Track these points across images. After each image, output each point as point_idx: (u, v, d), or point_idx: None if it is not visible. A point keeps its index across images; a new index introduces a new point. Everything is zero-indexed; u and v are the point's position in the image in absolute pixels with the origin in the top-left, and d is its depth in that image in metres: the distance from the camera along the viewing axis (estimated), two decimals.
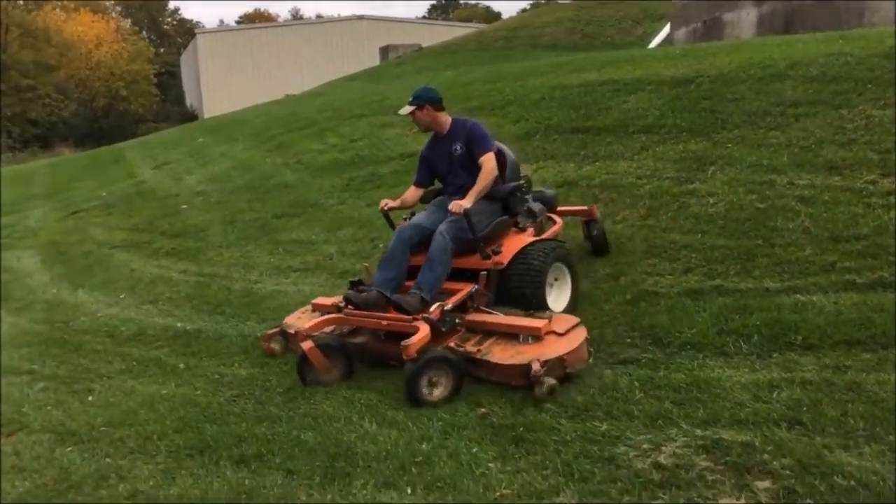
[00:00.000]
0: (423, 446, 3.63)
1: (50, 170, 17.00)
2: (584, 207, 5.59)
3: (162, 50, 59.98)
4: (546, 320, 4.19)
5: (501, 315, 4.39)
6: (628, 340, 4.35)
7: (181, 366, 5.03)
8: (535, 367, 3.89)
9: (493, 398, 4.05)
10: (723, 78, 7.60)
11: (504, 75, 12.05)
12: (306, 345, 4.32)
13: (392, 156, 9.42)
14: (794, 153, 5.89)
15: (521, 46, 25.32)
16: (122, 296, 6.83)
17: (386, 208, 5.03)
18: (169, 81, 52.48)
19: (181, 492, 3.48)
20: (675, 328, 4.30)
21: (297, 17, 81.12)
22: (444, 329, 4.32)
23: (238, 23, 73.72)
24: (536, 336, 4.13)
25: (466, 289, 4.52)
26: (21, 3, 36.67)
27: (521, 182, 5.00)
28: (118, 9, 57.04)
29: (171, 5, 78.11)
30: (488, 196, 4.78)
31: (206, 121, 22.27)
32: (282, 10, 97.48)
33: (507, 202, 4.90)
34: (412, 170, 8.78)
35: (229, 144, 14.04)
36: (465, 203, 4.54)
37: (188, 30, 72.90)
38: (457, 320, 4.39)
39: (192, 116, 46.21)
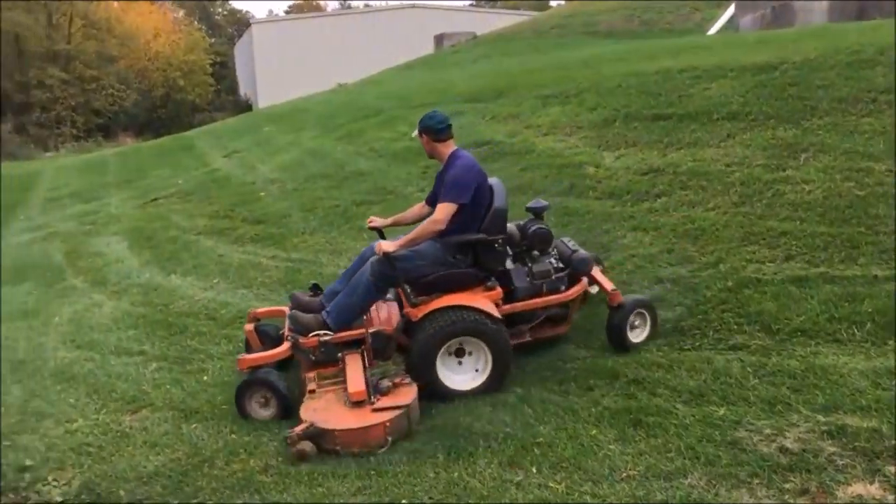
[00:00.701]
0: (542, 428, 3.72)
1: (120, 158, 17.43)
2: (609, 287, 4.69)
3: (213, 40, 60.78)
4: (376, 388, 3.99)
5: (357, 367, 4.15)
6: (735, 327, 4.38)
7: None
8: (295, 430, 3.75)
9: (603, 382, 4.12)
10: (809, 64, 7.51)
11: (571, 63, 12.04)
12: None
13: (466, 143, 9.46)
14: (890, 140, 5.82)
15: (576, 34, 25.13)
16: (215, 280, 7.03)
17: (370, 226, 5.08)
18: (220, 71, 53.25)
19: (311, 468, 3.63)
20: (783, 315, 4.31)
21: (345, 6, 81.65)
22: (312, 358, 4.27)
23: (287, 13, 74.45)
24: (354, 401, 3.92)
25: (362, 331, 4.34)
26: None
27: (491, 238, 4.48)
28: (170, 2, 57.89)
29: None
30: (456, 243, 4.46)
31: (265, 110, 22.59)
32: (331, 3, 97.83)
33: (476, 254, 4.52)
34: (488, 157, 8.95)
35: (295, 133, 14.26)
36: (388, 247, 4.37)
37: (238, 20, 73.94)
38: (338, 355, 4.26)
39: (246, 106, 46.87)
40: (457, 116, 10.76)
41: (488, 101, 10.90)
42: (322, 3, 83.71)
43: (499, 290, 4.49)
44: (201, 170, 13.35)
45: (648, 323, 4.57)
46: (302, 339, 4.30)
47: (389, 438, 3.77)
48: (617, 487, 3.15)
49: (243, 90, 50.56)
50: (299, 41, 44.38)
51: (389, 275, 4.38)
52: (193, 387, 4.72)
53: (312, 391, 4.10)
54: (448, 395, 4.23)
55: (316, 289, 4.94)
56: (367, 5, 67.93)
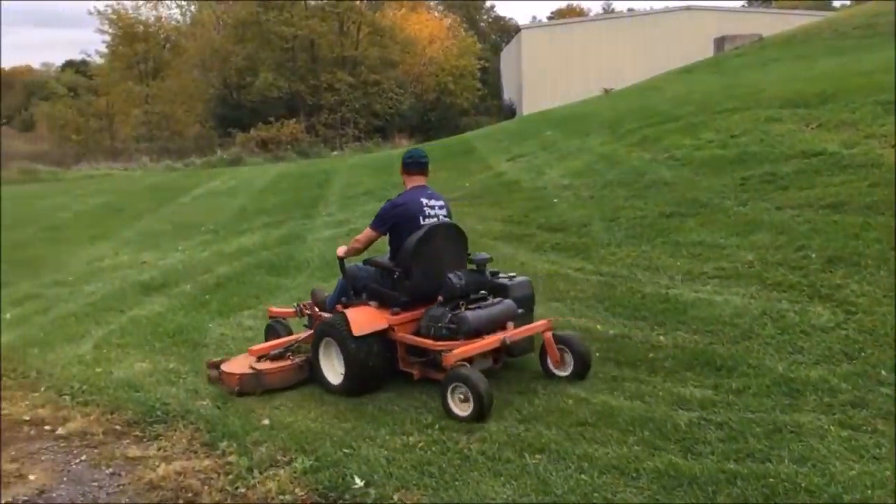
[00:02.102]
0: None
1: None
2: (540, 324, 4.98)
3: (479, 46, 62.41)
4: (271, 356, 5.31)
5: (286, 337, 5.68)
6: None
7: (620, 375, 4.71)
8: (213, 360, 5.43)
9: None
10: None
11: None
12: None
13: (790, 154, 8.50)
14: None
15: (885, 34, 22.43)
16: None
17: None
18: (482, 77, 54.45)
19: None
20: None
21: (608, 9, 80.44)
22: (305, 325, 5.79)
23: (549, 19, 74.80)
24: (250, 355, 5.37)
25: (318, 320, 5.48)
26: (364, 2, 39.80)
27: (393, 268, 5.03)
28: (440, 8, 60.12)
29: (487, 3, 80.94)
30: (381, 265, 5.21)
31: (541, 114, 22.42)
32: (594, 6, 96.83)
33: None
34: (822, 169, 7.90)
35: (581, 138, 13.84)
36: (339, 251, 5.49)
37: (502, 27, 75.52)
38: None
39: (509, 111, 47.55)
40: (772, 123, 9.77)
41: (811, 107, 9.75)
42: (584, 6, 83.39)
43: (401, 315, 4.94)
44: (486, 173, 13.33)
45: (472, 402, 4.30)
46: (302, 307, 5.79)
47: (236, 389, 5.01)
48: None
49: (507, 95, 51.41)
50: (566, 46, 44.18)
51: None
52: (528, 411, 4.36)
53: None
54: (323, 384, 5.03)
55: None
56: (630, 9, 66.31)
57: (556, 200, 9.86)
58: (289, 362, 5.19)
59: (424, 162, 5.40)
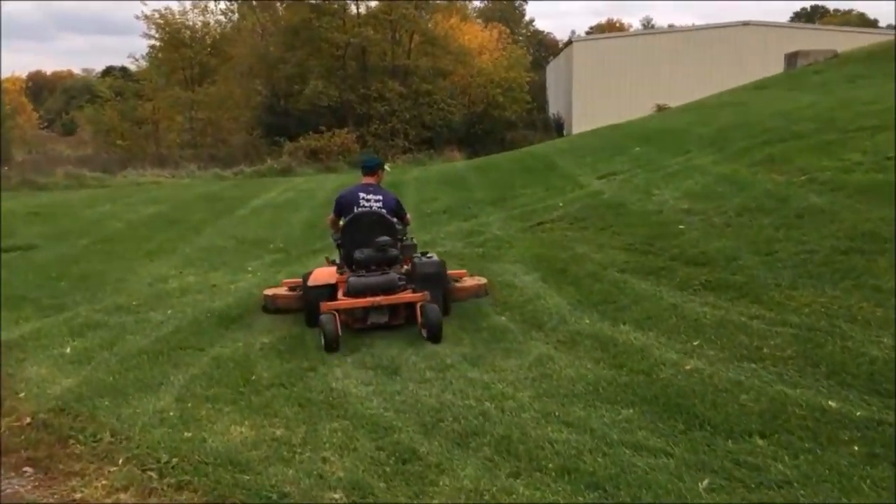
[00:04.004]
0: None
1: (478, 173, 16.87)
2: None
3: (528, 59, 61.20)
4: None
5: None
6: None
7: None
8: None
9: None
10: None
11: None
12: None
13: None
14: None
15: None
16: (694, 342, 5.50)
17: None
18: None
19: None
20: None
21: (648, 26, 78.93)
22: None
23: (588, 33, 73.44)
24: None
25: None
26: (418, 10, 38.74)
27: (336, 238, 7.20)
28: (479, 20, 59.00)
29: (527, 17, 79.83)
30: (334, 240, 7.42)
31: (622, 128, 21.13)
32: (633, 21, 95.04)
33: None
34: None
35: (681, 156, 12.61)
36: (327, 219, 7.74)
37: (540, 41, 74.29)
38: None
39: (558, 124, 46.32)
40: None
41: None
42: (626, 22, 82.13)
43: (343, 276, 6.79)
44: (578, 191, 12.13)
45: None
46: None
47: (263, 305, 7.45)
48: None
49: (553, 109, 50.13)
50: (618, 60, 42.97)
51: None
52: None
53: None
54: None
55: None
56: (671, 26, 64.72)
57: (682, 227, 8.62)
58: (293, 294, 7.27)
59: (370, 166, 7.34)
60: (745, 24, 44.27)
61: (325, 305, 6.23)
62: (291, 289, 7.40)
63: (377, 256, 6.67)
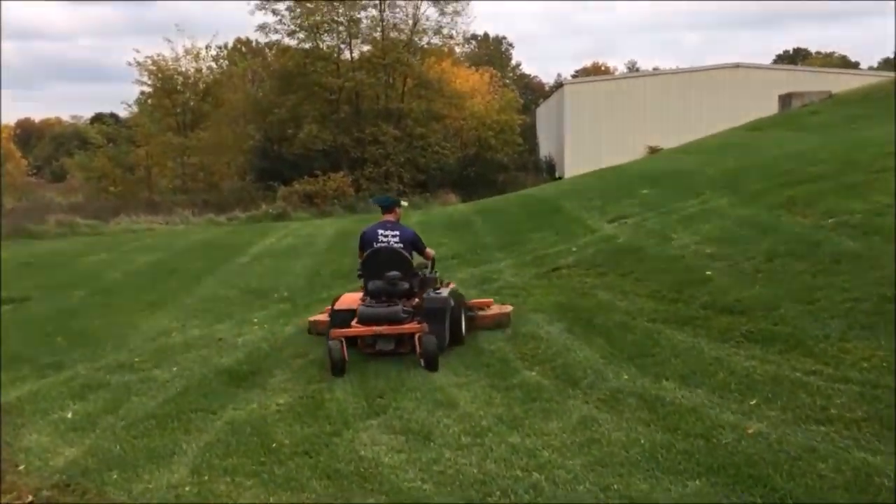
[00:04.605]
0: None
1: (483, 217, 16.54)
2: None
3: (520, 102, 61.45)
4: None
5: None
6: None
7: None
8: None
9: None
10: None
11: None
12: None
13: None
14: None
15: None
16: (750, 402, 5.11)
17: None
18: None
19: None
20: None
21: (633, 69, 79.65)
22: None
23: (574, 76, 74.00)
24: None
25: None
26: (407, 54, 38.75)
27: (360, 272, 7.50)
28: (466, 64, 59.29)
29: (514, 61, 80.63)
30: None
31: (617, 170, 20.93)
32: (619, 64, 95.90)
33: None
34: None
35: (693, 198, 12.31)
36: None
37: (526, 84, 74.75)
38: None
39: (548, 167, 46.25)
40: None
41: None
42: (611, 66, 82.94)
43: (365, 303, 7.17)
44: (589, 236, 11.80)
45: None
46: None
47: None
48: None
49: (544, 151, 50.11)
50: (608, 102, 43.00)
51: None
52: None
53: None
54: None
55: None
56: (655, 69, 65.34)
57: (709, 273, 8.28)
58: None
59: (386, 205, 7.77)
60: (736, 65, 44.61)
61: (333, 332, 6.85)
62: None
63: (387, 288, 7.08)
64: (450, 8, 38.27)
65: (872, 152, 11.40)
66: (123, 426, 5.79)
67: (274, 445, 5.17)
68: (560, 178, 38.93)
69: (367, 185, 34.32)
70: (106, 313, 10.38)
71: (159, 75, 41.05)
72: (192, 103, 41.85)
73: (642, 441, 4.75)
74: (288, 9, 36.93)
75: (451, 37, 40.21)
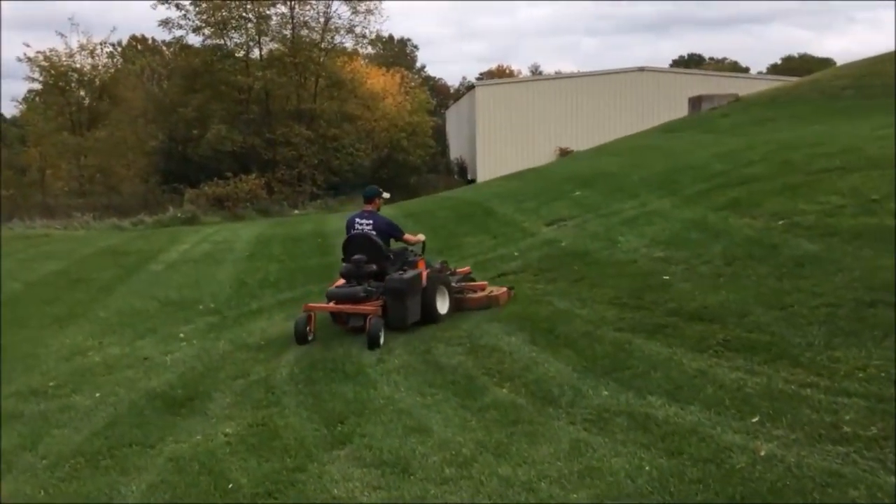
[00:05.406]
0: None
1: (413, 220, 15.96)
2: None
3: (432, 103, 61.13)
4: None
5: None
6: None
7: None
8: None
9: None
10: None
11: None
12: None
13: None
14: None
15: (880, 96, 21.77)
16: (751, 419, 4.76)
17: None
18: None
19: None
20: None
21: (536, 73, 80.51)
22: None
23: (478, 79, 74.23)
24: None
25: None
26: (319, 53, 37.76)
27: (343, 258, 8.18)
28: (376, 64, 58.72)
29: (419, 63, 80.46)
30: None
31: (540, 172, 20.76)
32: (522, 68, 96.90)
33: None
34: None
35: (631, 200, 12.15)
36: None
37: (432, 87, 74.54)
38: None
39: (460, 169, 46.12)
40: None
41: None
42: (515, 69, 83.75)
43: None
44: (529, 239, 11.47)
45: None
46: None
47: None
48: None
49: (455, 153, 49.91)
50: (518, 105, 43.14)
51: None
52: None
53: None
54: None
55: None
56: (558, 72, 66.43)
57: (666, 278, 8.02)
58: None
59: (368, 195, 8.44)
60: (641, 69, 45.52)
61: (304, 306, 7.94)
62: None
63: (354, 270, 7.73)
64: (362, 6, 37.49)
65: (806, 153, 11.45)
66: (45, 466, 5.01)
67: (230, 486, 4.52)
68: (473, 181, 38.78)
69: (279, 187, 33.23)
70: (10, 329, 9.34)
71: (52, 71, 38.68)
72: (87, 101, 39.62)
73: (647, 468, 4.33)
74: (193, 3, 35.39)
75: (363, 36, 39.40)
